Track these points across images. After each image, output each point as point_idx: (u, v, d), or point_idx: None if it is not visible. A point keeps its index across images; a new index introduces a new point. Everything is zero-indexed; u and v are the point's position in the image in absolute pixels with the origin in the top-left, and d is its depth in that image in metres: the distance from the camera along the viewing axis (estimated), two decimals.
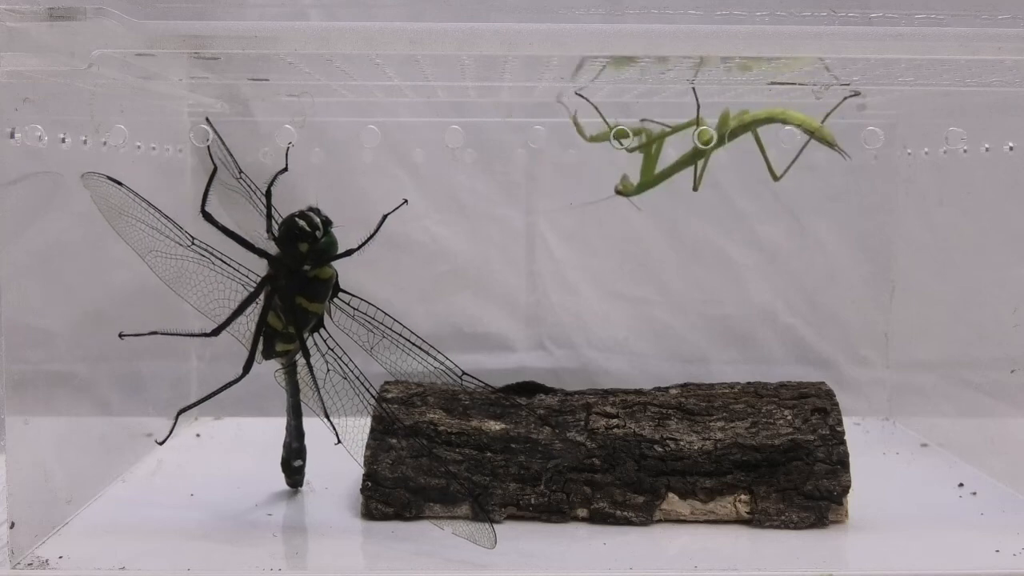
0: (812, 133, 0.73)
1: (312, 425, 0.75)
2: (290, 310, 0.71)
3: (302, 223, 0.69)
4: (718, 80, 0.76)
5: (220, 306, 0.72)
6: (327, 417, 0.70)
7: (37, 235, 0.70)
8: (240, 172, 0.76)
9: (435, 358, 0.70)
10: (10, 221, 0.66)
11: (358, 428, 0.72)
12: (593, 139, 0.77)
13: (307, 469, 0.80)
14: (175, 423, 0.70)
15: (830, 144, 0.74)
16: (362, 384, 0.70)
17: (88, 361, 0.80)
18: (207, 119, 0.71)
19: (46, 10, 0.59)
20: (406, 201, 0.72)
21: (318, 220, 0.70)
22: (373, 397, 0.71)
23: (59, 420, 0.74)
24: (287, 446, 0.79)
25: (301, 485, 0.80)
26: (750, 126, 0.75)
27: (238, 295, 0.72)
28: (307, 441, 0.78)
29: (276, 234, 0.71)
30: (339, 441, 0.71)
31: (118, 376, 0.85)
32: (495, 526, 0.68)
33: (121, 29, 0.60)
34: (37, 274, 0.70)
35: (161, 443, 0.71)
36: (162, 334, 0.71)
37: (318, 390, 0.71)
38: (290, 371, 0.75)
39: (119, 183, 0.68)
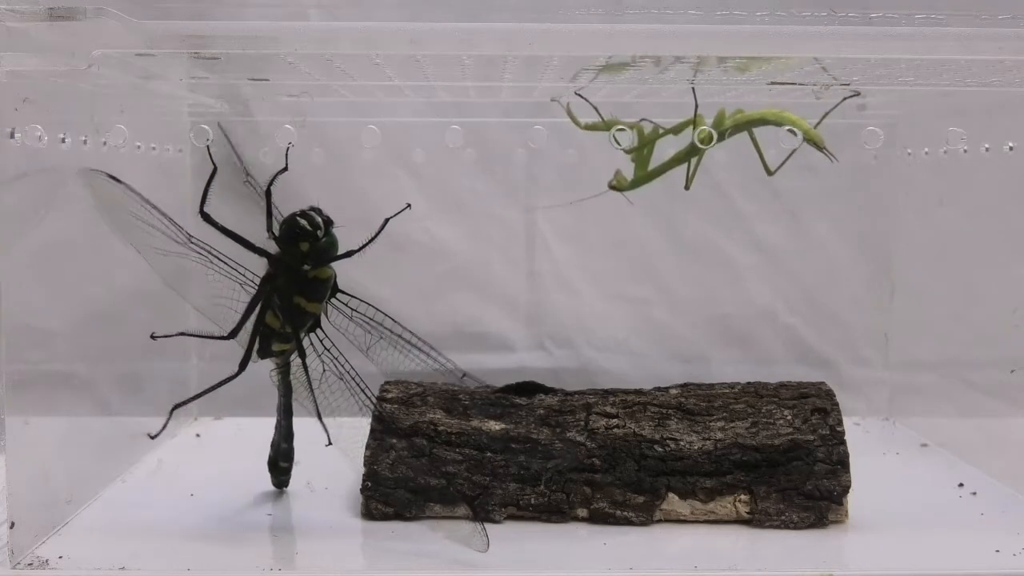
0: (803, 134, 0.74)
1: (312, 425, 0.74)
2: (288, 309, 0.71)
3: (303, 222, 0.69)
4: (718, 80, 0.76)
5: (220, 305, 0.72)
6: (320, 418, 0.70)
7: (37, 235, 0.70)
8: (247, 175, 0.76)
9: (435, 359, 0.70)
10: (10, 221, 0.66)
11: (354, 429, 0.72)
12: (588, 127, 0.78)
13: (308, 470, 0.79)
14: (168, 418, 0.70)
15: (818, 146, 0.74)
16: (358, 385, 0.70)
17: (88, 361, 0.80)
18: (219, 124, 0.70)
19: (46, 10, 0.59)
20: (409, 206, 0.72)
21: (319, 220, 0.70)
22: (369, 398, 0.71)
23: (59, 420, 0.74)
24: (275, 446, 0.78)
25: (287, 485, 0.80)
26: (744, 126, 0.75)
27: (237, 295, 0.72)
28: (309, 441, 0.78)
29: (276, 233, 0.71)
30: (330, 443, 0.70)
31: (118, 376, 0.85)
32: (494, 526, 0.68)
33: (121, 29, 0.60)
34: (37, 274, 0.70)
35: (153, 437, 0.71)
36: (189, 335, 0.72)
37: (312, 390, 0.71)
38: (284, 371, 0.75)
39: (118, 180, 0.68)
